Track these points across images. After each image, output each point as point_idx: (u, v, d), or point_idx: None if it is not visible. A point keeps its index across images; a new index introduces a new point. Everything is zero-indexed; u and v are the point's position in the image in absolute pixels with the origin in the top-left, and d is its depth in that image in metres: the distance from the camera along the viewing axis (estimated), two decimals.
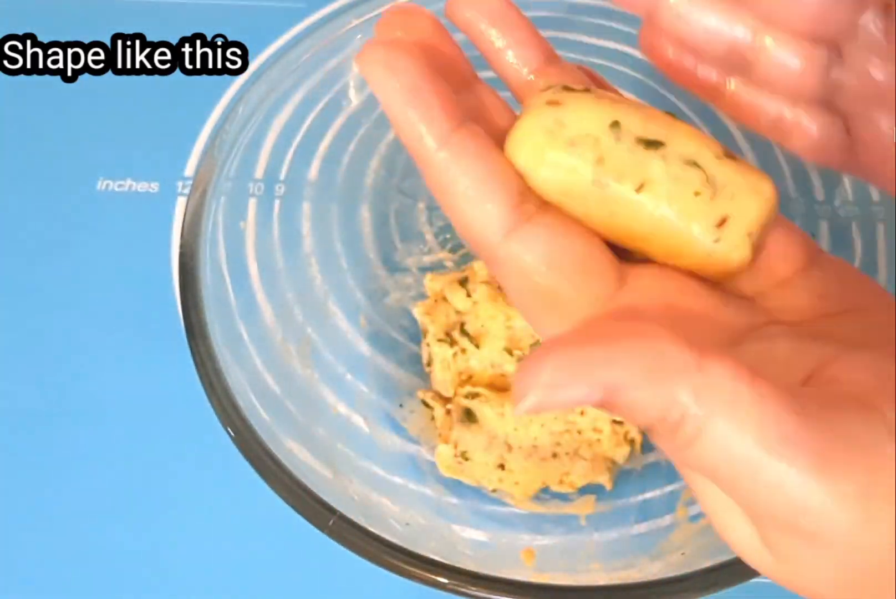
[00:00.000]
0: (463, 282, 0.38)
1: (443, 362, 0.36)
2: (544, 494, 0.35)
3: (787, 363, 0.18)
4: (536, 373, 0.16)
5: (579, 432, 0.35)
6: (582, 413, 0.35)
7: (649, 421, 0.16)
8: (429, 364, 0.38)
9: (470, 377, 0.36)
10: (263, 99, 0.35)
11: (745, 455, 0.15)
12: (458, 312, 0.38)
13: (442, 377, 0.37)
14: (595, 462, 0.35)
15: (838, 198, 0.36)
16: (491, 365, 0.36)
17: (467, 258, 0.42)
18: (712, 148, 0.20)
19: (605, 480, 0.35)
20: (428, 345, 0.37)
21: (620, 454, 0.35)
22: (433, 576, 0.27)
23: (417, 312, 0.38)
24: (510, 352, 0.36)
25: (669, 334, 0.16)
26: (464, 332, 0.36)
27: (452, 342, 0.37)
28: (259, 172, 0.36)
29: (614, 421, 0.35)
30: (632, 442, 0.36)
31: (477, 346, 0.36)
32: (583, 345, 0.16)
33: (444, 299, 0.38)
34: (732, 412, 0.15)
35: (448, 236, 0.42)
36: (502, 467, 0.35)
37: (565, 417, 0.35)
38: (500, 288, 0.38)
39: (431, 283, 0.39)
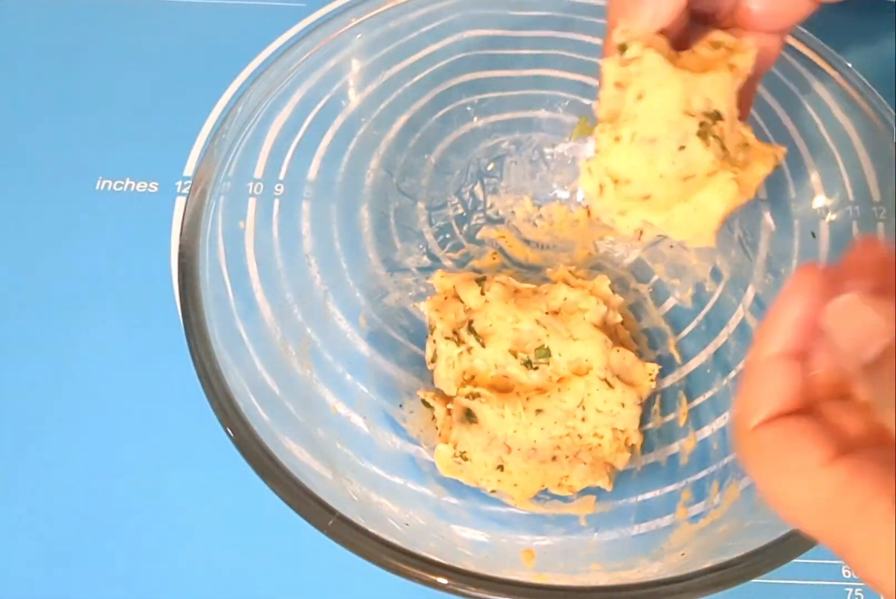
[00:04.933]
0: (480, 280, 0.38)
1: (448, 360, 0.36)
2: (544, 494, 0.35)
3: None
4: None
5: (580, 436, 0.35)
6: (583, 419, 0.35)
7: None
8: (432, 361, 0.37)
9: (472, 378, 0.36)
10: (263, 99, 0.35)
11: None
12: (466, 310, 0.37)
13: (445, 375, 0.36)
14: (594, 467, 0.35)
15: (838, 198, 0.36)
16: (495, 366, 0.36)
17: (467, 258, 0.42)
18: None
19: (604, 483, 0.35)
20: (434, 342, 0.37)
21: (621, 459, 0.35)
22: (433, 576, 0.27)
23: (427, 307, 0.38)
24: (514, 354, 0.36)
25: None
26: (471, 330, 0.36)
27: (459, 341, 0.36)
28: (258, 172, 0.36)
29: (615, 428, 0.35)
30: (632, 448, 0.36)
31: (483, 345, 0.36)
32: None
33: (455, 296, 0.38)
34: None
35: (448, 235, 0.42)
36: (501, 468, 0.35)
37: (565, 421, 0.35)
38: (517, 291, 0.38)
39: (441, 280, 0.39)
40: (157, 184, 0.44)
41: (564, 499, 0.35)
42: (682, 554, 0.30)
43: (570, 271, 0.40)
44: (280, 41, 0.48)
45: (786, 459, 0.20)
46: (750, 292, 0.38)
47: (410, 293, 0.40)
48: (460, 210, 0.42)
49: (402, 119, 0.40)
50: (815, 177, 0.37)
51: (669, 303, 0.40)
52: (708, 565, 0.27)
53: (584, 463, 0.35)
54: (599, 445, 0.35)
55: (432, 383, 0.38)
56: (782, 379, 0.21)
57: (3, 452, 0.38)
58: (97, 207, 0.43)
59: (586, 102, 0.41)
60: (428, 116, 0.41)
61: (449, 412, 0.36)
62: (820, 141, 0.36)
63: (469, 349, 0.36)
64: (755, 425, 0.21)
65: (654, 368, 0.37)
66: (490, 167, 0.42)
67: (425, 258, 0.41)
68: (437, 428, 0.36)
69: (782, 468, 0.20)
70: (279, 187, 0.37)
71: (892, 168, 0.33)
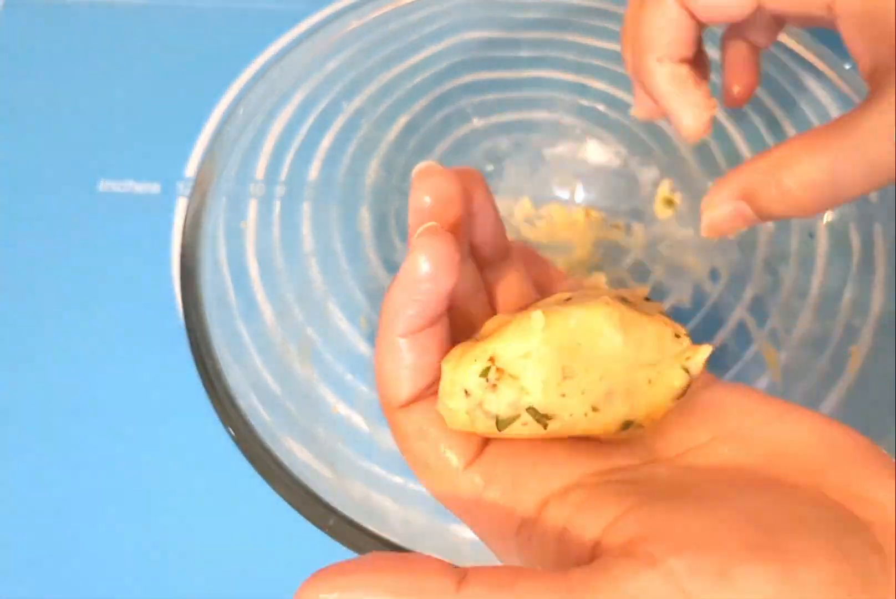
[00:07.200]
0: None
1: None
2: None
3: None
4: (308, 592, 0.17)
5: None
6: None
7: None
8: None
9: None
10: (264, 100, 0.35)
11: None
12: None
13: None
14: None
15: None
16: None
17: None
18: None
19: None
20: None
21: None
22: None
23: None
24: None
25: (436, 562, 0.17)
26: None
27: None
28: (259, 173, 0.36)
29: None
30: None
31: None
32: (353, 572, 0.17)
33: None
34: None
35: None
36: None
37: None
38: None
39: None
40: (158, 185, 0.44)
41: None
42: None
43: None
44: (281, 43, 0.48)
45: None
46: (748, 293, 0.38)
47: None
48: None
49: (403, 120, 0.41)
50: None
51: (668, 303, 0.40)
52: None
53: None
54: None
55: None
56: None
57: (3, 452, 0.38)
58: (100, 208, 0.43)
59: (585, 103, 0.41)
60: (428, 117, 0.41)
61: None
62: None
63: None
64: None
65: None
66: (489, 168, 0.42)
67: None
68: None
69: None
70: (280, 188, 0.37)
71: None
